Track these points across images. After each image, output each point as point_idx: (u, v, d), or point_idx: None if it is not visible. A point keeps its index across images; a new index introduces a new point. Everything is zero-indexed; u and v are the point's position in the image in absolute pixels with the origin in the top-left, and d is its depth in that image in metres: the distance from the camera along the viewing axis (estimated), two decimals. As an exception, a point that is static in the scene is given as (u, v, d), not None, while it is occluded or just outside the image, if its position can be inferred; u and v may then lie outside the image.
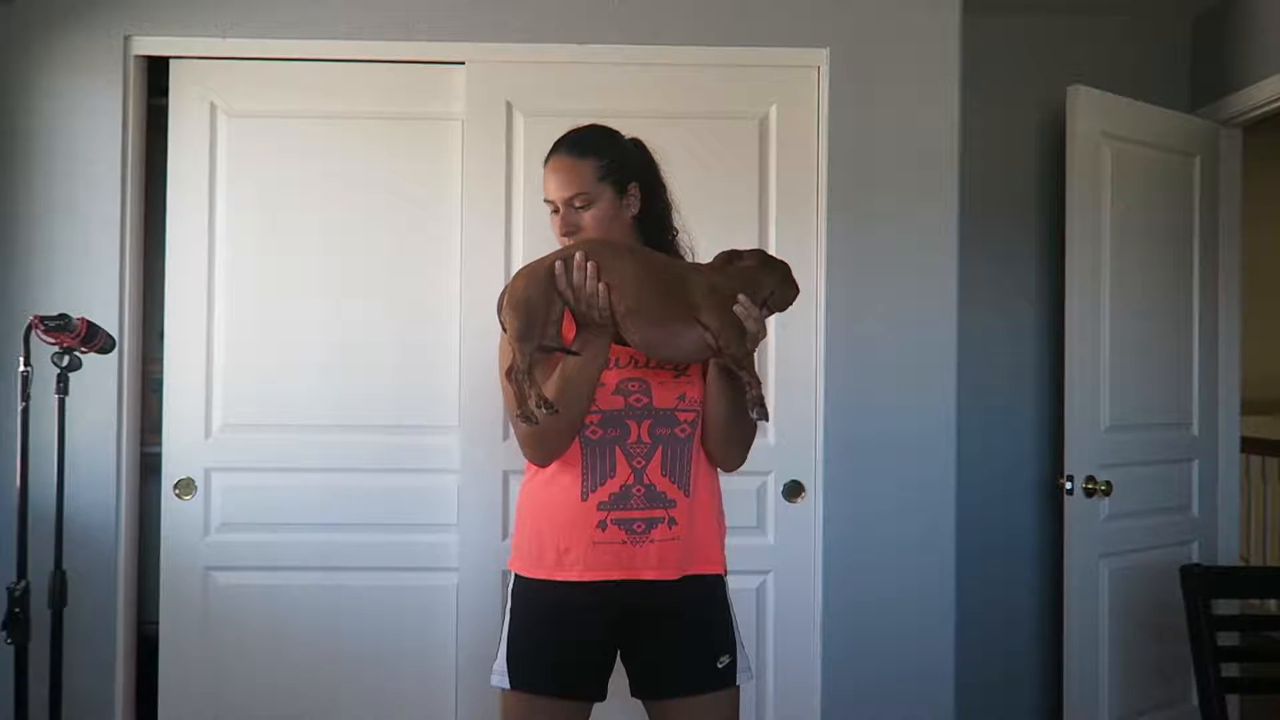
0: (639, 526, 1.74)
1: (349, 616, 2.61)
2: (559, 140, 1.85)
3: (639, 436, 1.76)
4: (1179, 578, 2.48)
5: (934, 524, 2.62)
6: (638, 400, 1.76)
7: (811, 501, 2.63)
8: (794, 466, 2.64)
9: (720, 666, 1.78)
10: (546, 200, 1.84)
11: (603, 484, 1.75)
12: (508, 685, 1.78)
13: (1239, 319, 3.30)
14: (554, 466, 1.79)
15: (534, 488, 1.83)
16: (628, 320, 1.65)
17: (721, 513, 1.87)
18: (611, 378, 1.77)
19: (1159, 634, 3.02)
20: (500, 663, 1.80)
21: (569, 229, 1.80)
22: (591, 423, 1.76)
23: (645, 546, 1.74)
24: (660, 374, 1.78)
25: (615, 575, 1.74)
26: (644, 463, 1.75)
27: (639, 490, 1.75)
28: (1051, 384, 3.25)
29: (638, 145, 1.90)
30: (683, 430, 1.78)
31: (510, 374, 1.66)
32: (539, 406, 1.63)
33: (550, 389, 1.68)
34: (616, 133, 1.88)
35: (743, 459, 1.85)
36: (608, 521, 1.74)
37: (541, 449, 1.77)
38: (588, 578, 1.75)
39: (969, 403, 2.80)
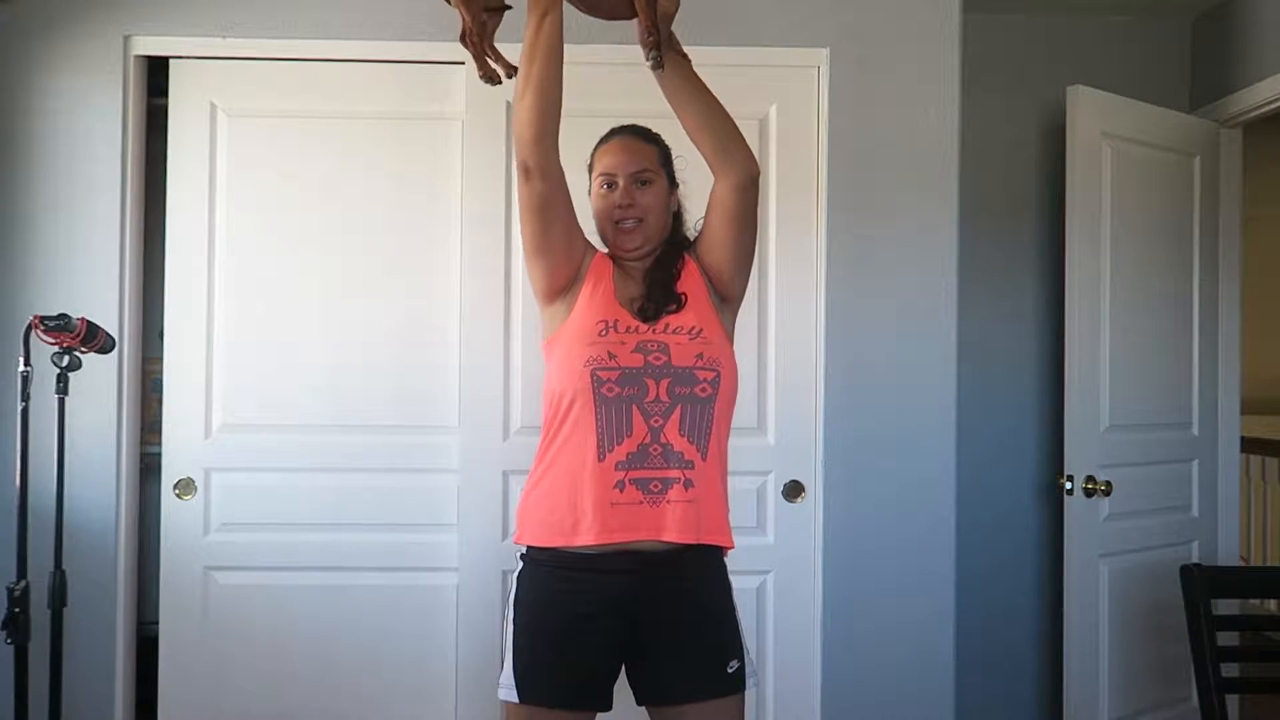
0: (656, 486, 1.73)
1: (349, 616, 2.61)
2: (618, 128, 1.93)
3: (657, 395, 1.75)
4: (1179, 578, 2.48)
5: (934, 523, 2.62)
6: (656, 359, 1.76)
7: (811, 501, 2.63)
8: (794, 466, 2.64)
9: (730, 671, 1.76)
10: (602, 175, 1.88)
11: (620, 443, 1.73)
12: (516, 699, 1.74)
13: (1239, 319, 3.30)
14: (566, 432, 1.76)
15: (545, 465, 1.81)
16: None
17: (727, 490, 1.84)
18: (631, 339, 1.78)
19: (1159, 634, 3.02)
20: (507, 675, 1.76)
21: (628, 199, 1.85)
22: (609, 379, 1.75)
23: (662, 507, 1.72)
24: (678, 336, 1.79)
25: (632, 537, 1.72)
26: (661, 421, 1.74)
27: (656, 449, 1.73)
28: (1051, 384, 3.25)
29: None
30: (703, 390, 1.76)
31: (464, 38, 1.79)
32: (501, 69, 1.79)
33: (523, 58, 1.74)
34: (660, 136, 1.97)
35: (746, 148, 1.82)
36: (625, 482, 1.72)
37: (529, 97, 1.71)
38: (604, 540, 1.72)
39: (969, 403, 2.80)
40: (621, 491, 1.73)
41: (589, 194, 1.92)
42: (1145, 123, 3.05)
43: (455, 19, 2.58)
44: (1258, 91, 3.02)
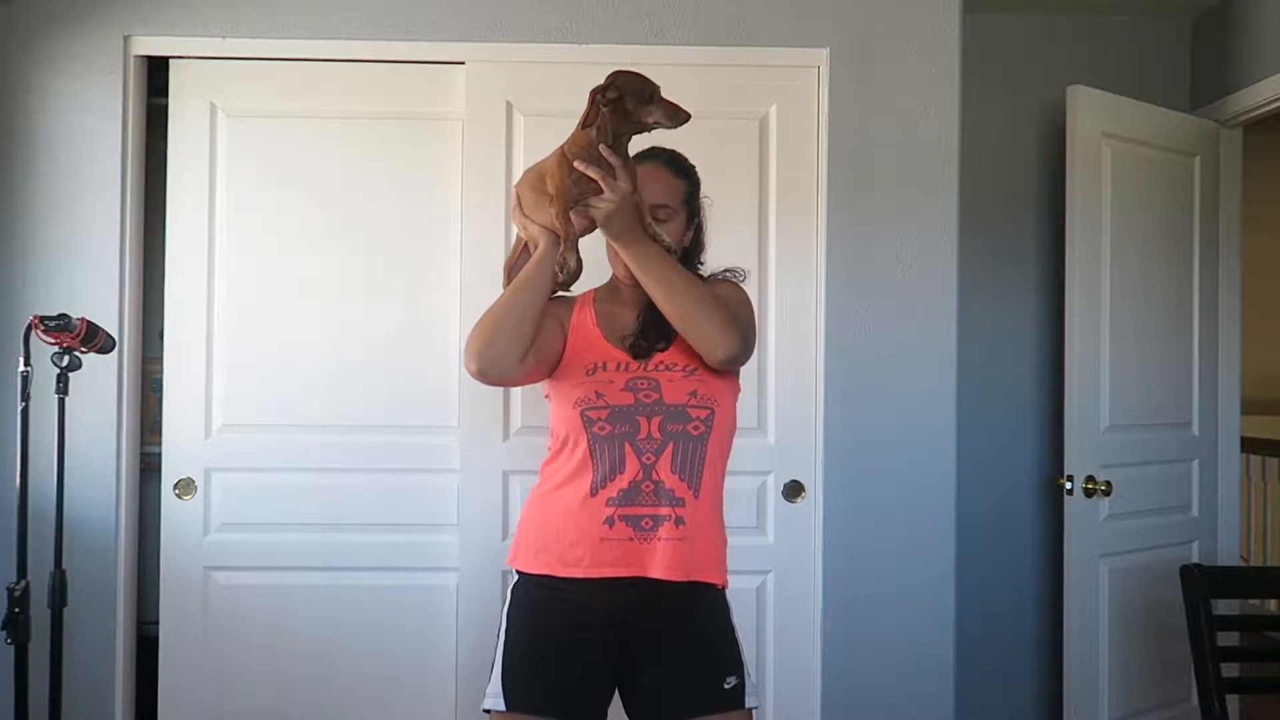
0: (647, 523, 1.73)
1: (349, 616, 2.61)
2: (652, 151, 1.89)
3: (649, 432, 1.75)
4: (1179, 578, 2.48)
5: (934, 524, 2.62)
6: (647, 396, 1.76)
7: (811, 501, 2.63)
8: (794, 466, 2.64)
9: (727, 687, 1.75)
10: None
11: (612, 479, 1.74)
12: (504, 708, 1.74)
13: (1239, 319, 3.30)
14: (567, 469, 1.78)
15: (542, 494, 1.83)
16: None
17: (724, 525, 1.84)
18: (621, 377, 1.79)
19: (1159, 634, 3.02)
20: (494, 684, 1.76)
21: None
22: (599, 418, 1.76)
23: (653, 544, 1.72)
24: (670, 373, 1.79)
25: (622, 573, 1.72)
26: (654, 459, 1.74)
27: (648, 486, 1.74)
28: (1051, 384, 3.25)
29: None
30: (695, 428, 1.76)
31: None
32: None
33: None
34: (695, 168, 1.95)
35: (724, 332, 1.74)
36: (615, 518, 1.73)
37: (489, 338, 1.75)
38: (593, 574, 1.73)
39: (969, 403, 2.80)
40: (611, 527, 1.73)
41: None
42: (1145, 123, 3.05)
43: (455, 19, 2.61)
44: (1258, 91, 3.02)
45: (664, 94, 1.75)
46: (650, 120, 1.74)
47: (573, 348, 1.86)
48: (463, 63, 2.62)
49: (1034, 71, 3.29)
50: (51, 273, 2.57)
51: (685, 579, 1.73)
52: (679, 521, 1.73)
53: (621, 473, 1.74)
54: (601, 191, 1.72)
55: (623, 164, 1.73)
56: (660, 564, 1.72)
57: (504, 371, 1.78)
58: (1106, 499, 2.91)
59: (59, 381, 2.06)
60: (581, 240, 1.86)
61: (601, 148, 1.72)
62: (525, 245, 1.88)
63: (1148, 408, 3.07)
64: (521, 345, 1.77)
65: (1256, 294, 3.72)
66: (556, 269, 1.80)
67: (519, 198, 1.85)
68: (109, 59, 2.58)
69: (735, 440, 1.88)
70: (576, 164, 1.72)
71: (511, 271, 1.88)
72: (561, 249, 1.78)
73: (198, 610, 2.61)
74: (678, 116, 1.75)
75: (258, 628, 2.60)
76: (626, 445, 1.75)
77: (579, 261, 1.86)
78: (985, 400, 3.21)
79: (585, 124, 1.73)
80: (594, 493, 1.74)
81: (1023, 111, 3.30)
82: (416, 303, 2.64)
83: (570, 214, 1.77)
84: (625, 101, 1.72)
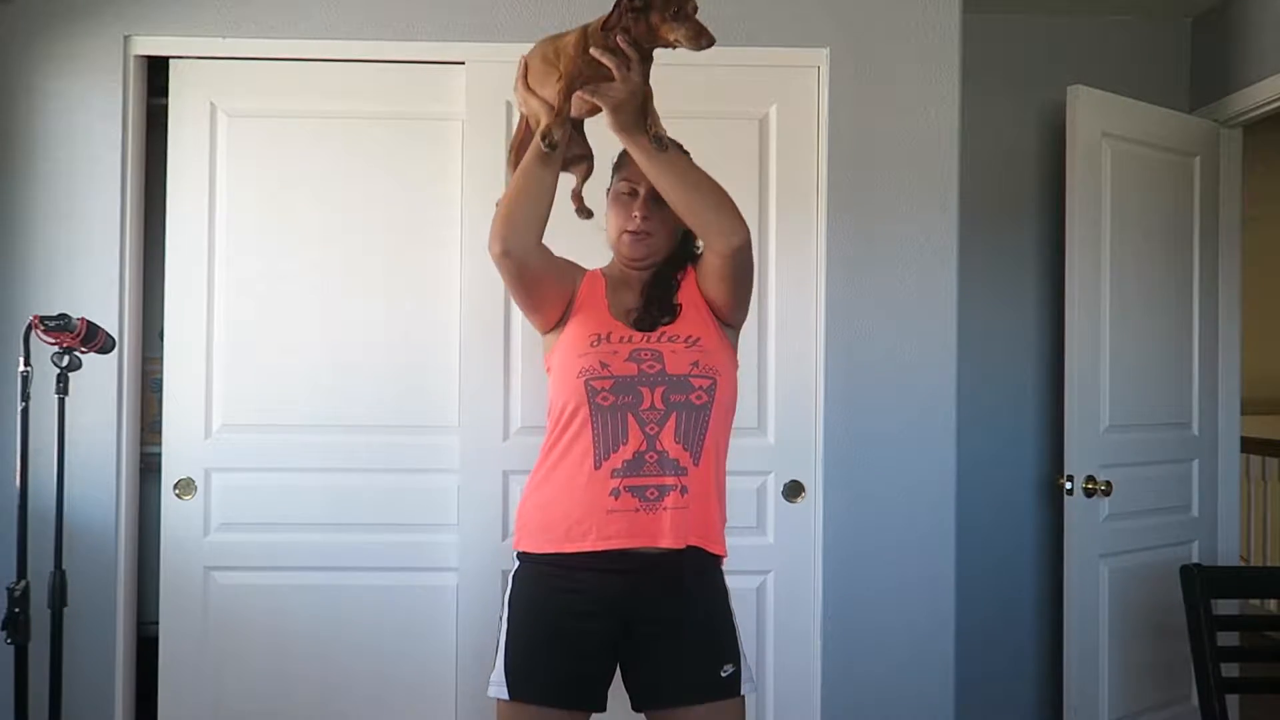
0: (652, 493, 1.74)
1: (349, 616, 2.61)
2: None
3: (652, 403, 1.76)
4: (1179, 578, 2.48)
5: (934, 524, 2.62)
6: (650, 366, 1.78)
7: (811, 501, 2.63)
8: (794, 466, 2.64)
9: (724, 675, 1.77)
10: (626, 180, 1.88)
11: (615, 451, 1.75)
12: (506, 696, 1.76)
13: (1239, 319, 3.30)
14: (567, 441, 1.79)
15: (543, 473, 1.83)
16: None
17: (724, 499, 1.85)
18: (624, 349, 1.80)
19: (1159, 634, 3.02)
20: (498, 673, 1.77)
21: (644, 213, 1.86)
22: (603, 388, 1.77)
23: (658, 514, 1.74)
24: (673, 344, 1.81)
25: (629, 544, 1.73)
26: (657, 429, 1.76)
27: (652, 457, 1.75)
28: (1051, 384, 3.25)
29: None
30: (698, 397, 1.78)
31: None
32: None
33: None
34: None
35: (734, 219, 1.76)
36: (621, 489, 1.74)
37: (509, 216, 1.75)
38: (600, 547, 1.74)
39: (969, 402, 2.80)
40: (617, 499, 1.74)
41: (608, 192, 1.92)
42: (1145, 123, 3.05)
43: (455, 18, 2.61)
44: (1258, 91, 3.02)
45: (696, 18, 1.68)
46: (672, 37, 1.68)
47: (579, 305, 1.87)
48: (463, 63, 2.62)
49: (1034, 71, 3.29)
50: (51, 273, 2.57)
51: (683, 544, 1.75)
52: (684, 490, 1.75)
53: (625, 444, 1.75)
54: (613, 80, 1.68)
55: (639, 59, 1.69)
56: (667, 533, 1.74)
57: (525, 251, 1.76)
58: (1106, 499, 2.90)
59: (59, 381, 2.06)
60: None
61: (620, 38, 1.67)
62: (528, 123, 1.84)
63: (1148, 408, 3.07)
64: (539, 224, 1.77)
65: (1256, 294, 3.72)
66: (539, 137, 1.72)
67: (526, 66, 1.79)
68: (109, 59, 2.58)
69: (735, 440, 1.89)
70: (593, 50, 1.68)
71: (518, 150, 1.85)
72: (550, 120, 1.71)
73: (198, 610, 2.61)
74: (700, 39, 1.68)
75: (258, 628, 2.60)
76: (629, 416, 1.76)
77: (573, 140, 1.83)
78: (985, 400, 3.21)
79: (605, 28, 1.68)
80: (598, 465, 1.75)
81: (1023, 111, 3.30)
82: (416, 303, 2.64)
83: (574, 95, 1.71)
84: (650, 13, 1.67)
